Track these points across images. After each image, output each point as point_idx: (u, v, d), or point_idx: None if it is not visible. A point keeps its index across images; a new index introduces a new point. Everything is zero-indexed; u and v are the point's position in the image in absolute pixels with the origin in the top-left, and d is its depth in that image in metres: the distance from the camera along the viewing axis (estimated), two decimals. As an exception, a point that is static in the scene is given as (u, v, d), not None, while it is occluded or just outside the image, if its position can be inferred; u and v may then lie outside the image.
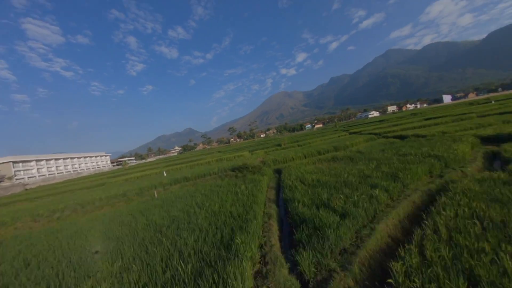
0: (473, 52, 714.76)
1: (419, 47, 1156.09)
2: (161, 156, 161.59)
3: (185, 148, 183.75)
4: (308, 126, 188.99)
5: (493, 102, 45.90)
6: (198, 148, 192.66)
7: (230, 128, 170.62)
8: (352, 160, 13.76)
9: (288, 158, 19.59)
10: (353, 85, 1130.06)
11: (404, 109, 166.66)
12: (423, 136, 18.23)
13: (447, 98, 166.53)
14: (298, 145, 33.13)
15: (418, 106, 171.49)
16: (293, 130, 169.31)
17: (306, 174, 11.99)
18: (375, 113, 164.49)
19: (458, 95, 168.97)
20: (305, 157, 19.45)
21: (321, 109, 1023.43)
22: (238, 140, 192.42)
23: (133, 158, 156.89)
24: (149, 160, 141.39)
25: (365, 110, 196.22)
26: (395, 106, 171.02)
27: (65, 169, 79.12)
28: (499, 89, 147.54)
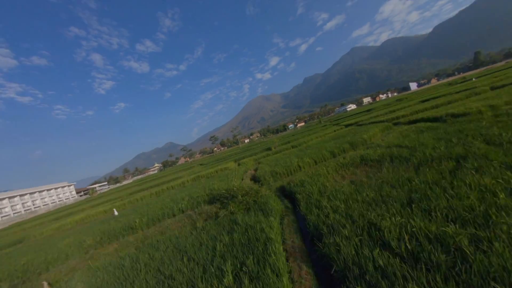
0: (424, 45, 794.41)
1: (378, 44, 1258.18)
2: (139, 176, 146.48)
3: (165, 164, 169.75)
4: (291, 126, 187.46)
5: (474, 79, 45.01)
6: (180, 162, 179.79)
7: (212, 137, 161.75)
8: (408, 161, 8.07)
9: (292, 167, 13.48)
10: (325, 83, 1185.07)
11: (377, 99, 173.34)
12: (464, 115, 13.45)
13: (413, 86, 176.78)
14: (292, 146, 27.43)
15: (390, 95, 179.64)
16: (277, 131, 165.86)
17: (353, 204, 5.98)
18: (353, 106, 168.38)
19: (422, 81, 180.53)
20: (316, 162, 13.54)
21: (300, 108, 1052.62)
22: (222, 148, 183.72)
23: (106, 183, 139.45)
24: (124, 182, 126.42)
25: (342, 105, 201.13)
26: (369, 97, 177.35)
27: (13, 209, 63.98)
28: (455, 73, 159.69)
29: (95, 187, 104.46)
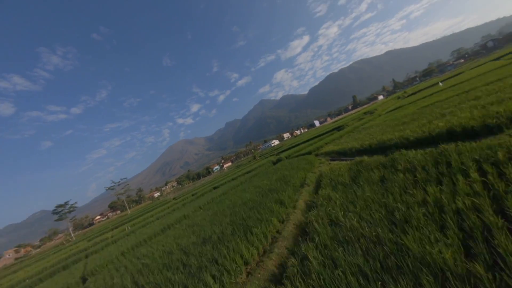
0: (306, 100, 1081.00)
1: (278, 98, 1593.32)
2: None
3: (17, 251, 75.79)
4: (216, 167, 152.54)
5: (440, 84, 32.82)
6: (57, 240, 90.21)
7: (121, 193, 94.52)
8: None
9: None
10: (244, 127, 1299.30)
11: (294, 134, 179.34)
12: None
13: (317, 123, 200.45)
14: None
15: (302, 131, 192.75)
16: (198, 176, 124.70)
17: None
18: (276, 141, 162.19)
19: (321, 119, 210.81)
20: None
21: (224, 150, 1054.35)
22: (110, 215, 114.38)
23: None
24: None
25: (265, 141, 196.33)
26: (288, 133, 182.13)
27: None
28: (342, 112, 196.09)
29: None
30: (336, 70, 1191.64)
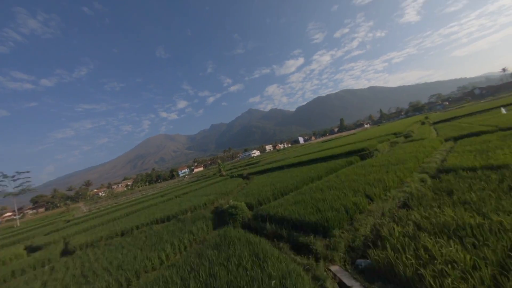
0: (292, 117, 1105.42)
1: (267, 110, 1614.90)
2: None
3: None
4: (185, 170, 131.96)
5: (504, 110, 21.54)
6: None
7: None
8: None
9: None
10: (229, 132, 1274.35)
11: (277, 147, 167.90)
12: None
13: (301, 140, 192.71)
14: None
15: (285, 145, 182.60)
16: (158, 179, 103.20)
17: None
18: (257, 152, 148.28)
19: (306, 137, 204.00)
20: None
21: (205, 151, 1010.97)
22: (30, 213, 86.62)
23: None
24: None
25: (245, 150, 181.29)
26: (270, 145, 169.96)
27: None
28: (327, 134, 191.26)
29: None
30: (323, 95, 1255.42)
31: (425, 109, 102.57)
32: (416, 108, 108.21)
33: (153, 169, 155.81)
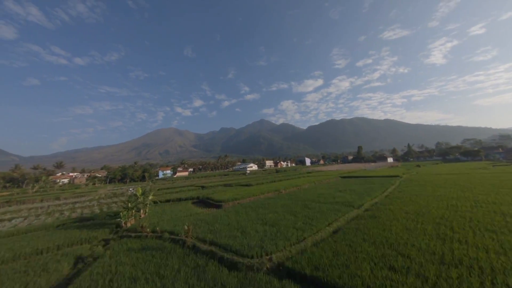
0: (302, 135, 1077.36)
1: (278, 124, 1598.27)
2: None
3: None
4: (167, 172, 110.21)
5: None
6: None
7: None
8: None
9: None
10: (237, 137, 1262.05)
11: (279, 165, 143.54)
12: None
13: (308, 161, 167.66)
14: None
15: (289, 164, 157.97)
16: (124, 178, 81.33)
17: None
18: (254, 166, 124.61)
19: (314, 159, 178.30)
20: None
21: (210, 152, 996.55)
22: None
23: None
24: None
25: (244, 161, 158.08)
26: (271, 161, 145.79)
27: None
28: (338, 160, 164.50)
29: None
30: (337, 118, 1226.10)
31: (481, 155, 75.94)
32: (466, 153, 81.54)
33: (135, 162, 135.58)
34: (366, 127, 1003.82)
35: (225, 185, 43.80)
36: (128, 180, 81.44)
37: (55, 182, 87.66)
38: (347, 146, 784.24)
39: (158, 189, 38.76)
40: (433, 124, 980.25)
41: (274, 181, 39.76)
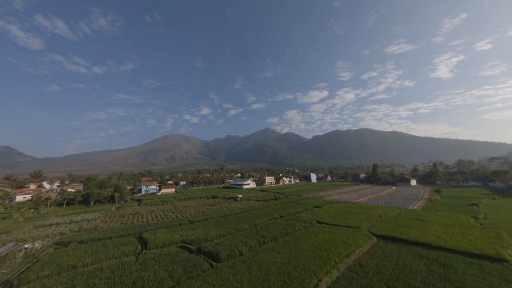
0: (307, 145, 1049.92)
1: (283, 132, 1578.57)
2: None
3: None
4: (151, 188, 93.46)
5: None
6: None
7: None
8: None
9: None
10: (242, 145, 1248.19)
11: (281, 182, 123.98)
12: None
13: (313, 177, 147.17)
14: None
15: (292, 180, 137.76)
16: (87, 199, 64.69)
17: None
18: (251, 184, 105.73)
19: (320, 175, 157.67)
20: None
21: (214, 159, 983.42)
22: None
23: None
24: None
25: (242, 176, 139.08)
26: (272, 177, 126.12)
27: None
28: (349, 178, 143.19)
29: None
30: (342, 129, 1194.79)
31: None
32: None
33: (120, 174, 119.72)
34: (372, 138, 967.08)
35: (190, 222, 25.24)
36: (92, 202, 64.58)
37: (11, 200, 72.21)
38: (352, 157, 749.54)
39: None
40: (443, 138, 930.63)
41: (260, 244, 21.21)
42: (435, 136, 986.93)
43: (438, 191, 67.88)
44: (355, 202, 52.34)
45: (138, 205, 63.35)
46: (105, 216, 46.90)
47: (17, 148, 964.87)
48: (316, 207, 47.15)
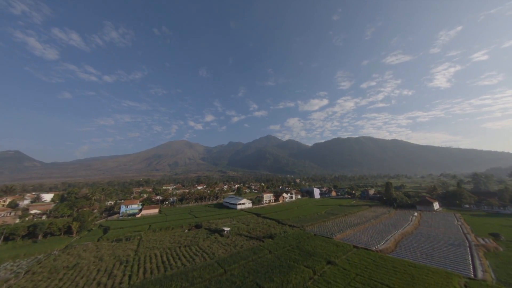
0: (308, 152, 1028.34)
1: (284, 140, 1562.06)
2: None
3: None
4: (133, 207, 78.37)
5: None
6: None
7: None
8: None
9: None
10: (244, 152, 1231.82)
11: (280, 200, 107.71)
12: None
13: (317, 192, 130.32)
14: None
15: (293, 197, 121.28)
16: (33, 231, 49.71)
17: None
18: (247, 204, 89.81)
19: (324, 189, 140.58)
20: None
21: (217, 165, 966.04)
22: None
23: None
24: None
25: (238, 190, 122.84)
26: (271, 194, 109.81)
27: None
28: (355, 192, 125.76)
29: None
30: (343, 137, 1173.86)
31: None
32: None
33: (103, 187, 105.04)
34: (372, 146, 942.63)
35: None
36: (41, 236, 49.77)
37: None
38: (354, 165, 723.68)
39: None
40: (445, 146, 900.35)
41: None
42: (436, 145, 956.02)
43: (494, 235, 48.12)
44: (380, 252, 36.24)
45: (98, 240, 48.28)
46: (30, 270, 31.80)
47: (27, 153, 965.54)
48: (328, 263, 31.46)
